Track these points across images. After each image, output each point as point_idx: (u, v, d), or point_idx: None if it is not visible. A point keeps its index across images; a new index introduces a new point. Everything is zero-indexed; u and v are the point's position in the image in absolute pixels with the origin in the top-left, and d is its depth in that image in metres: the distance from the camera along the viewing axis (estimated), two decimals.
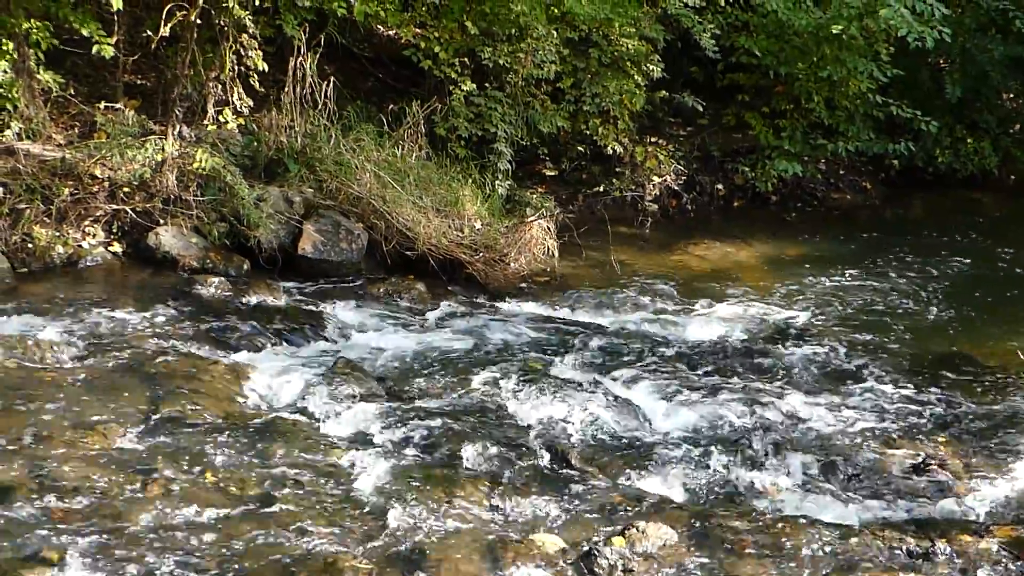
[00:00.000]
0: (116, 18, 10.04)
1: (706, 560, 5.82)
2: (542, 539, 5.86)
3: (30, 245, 9.24)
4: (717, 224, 13.47)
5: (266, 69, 10.56)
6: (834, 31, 12.86)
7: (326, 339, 8.69)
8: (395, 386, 7.82)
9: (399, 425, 7.10)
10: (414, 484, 6.36)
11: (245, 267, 9.81)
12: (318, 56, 10.75)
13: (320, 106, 10.71)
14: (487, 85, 11.77)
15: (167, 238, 9.65)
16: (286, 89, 10.66)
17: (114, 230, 9.70)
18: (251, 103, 10.60)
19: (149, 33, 10.23)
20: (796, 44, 13.59)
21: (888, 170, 15.29)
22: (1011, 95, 16.38)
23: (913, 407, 8.10)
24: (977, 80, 15.24)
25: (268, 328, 8.64)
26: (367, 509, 6.11)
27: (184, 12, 10.01)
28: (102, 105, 10.16)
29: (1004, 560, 5.97)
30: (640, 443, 7.23)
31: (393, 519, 5.99)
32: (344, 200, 10.37)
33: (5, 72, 9.47)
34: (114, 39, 9.97)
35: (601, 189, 13.00)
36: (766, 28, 13.62)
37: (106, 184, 9.60)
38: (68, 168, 9.52)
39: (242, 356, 8.10)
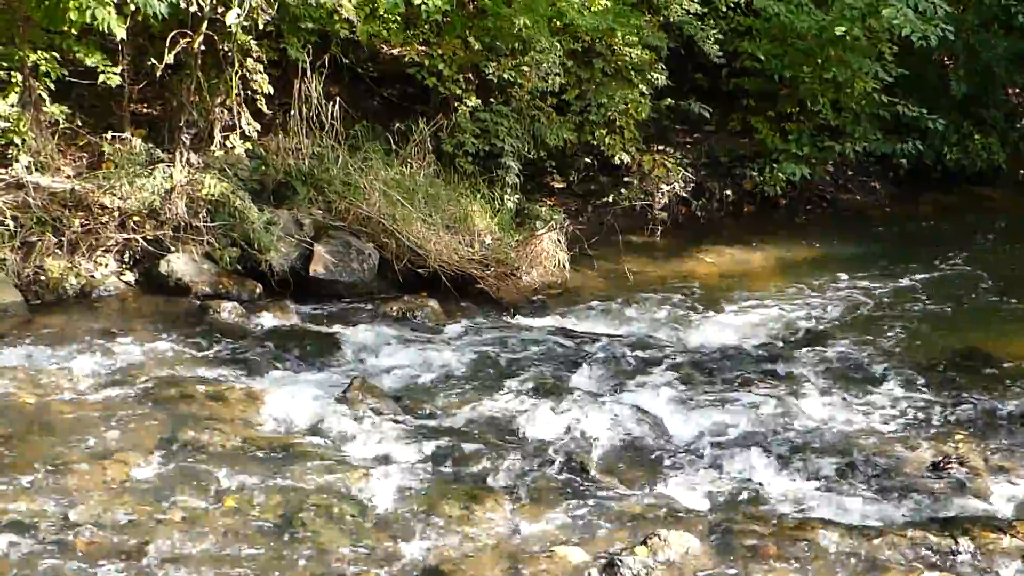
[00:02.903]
0: (120, 48, 10.08)
1: (729, 566, 5.81)
2: (564, 551, 5.85)
3: (43, 277, 9.27)
4: (727, 230, 13.44)
5: (272, 92, 10.59)
6: (837, 32, 12.87)
7: (341, 360, 8.68)
8: (412, 404, 7.82)
9: (417, 443, 7.10)
10: (434, 501, 6.36)
11: (258, 291, 9.82)
12: (323, 78, 10.78)
13: (327, 127, 10.74)
14: (492, 100, 11.79)
15: (179, 265, 9.67)
16: (292, 112, 10.69)
17: (126, 259, 9.74)
18: (258, 127, 10.62)
19: (153, 61, 10.27)
20: (800, 47, 13.60)
21: (897, 170, 15.24)
22: (1017, 90, 16.36)
23: (931, 406, 8.08)
24: (982, 76, 15.23)
25: (283, 351, 8.64)
26: (389, 528, 6.11)
27: (188, 39, 10.06)
28: (109, 135, 10.20)
29: None
30: (659, 451, 7.22)
31: (415, 537, 5.99)
32: (354, 220, 10.38)
33: (12, 106, 9.52)
34: (119, 68, 10.01)
35: (610, 199, 12.99)
36: (769, 32, 13.63)
37: (116, 214, 9.64)
38: (78, 199, 9.56)
39: (258, 380, 8.10)
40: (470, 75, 11.78)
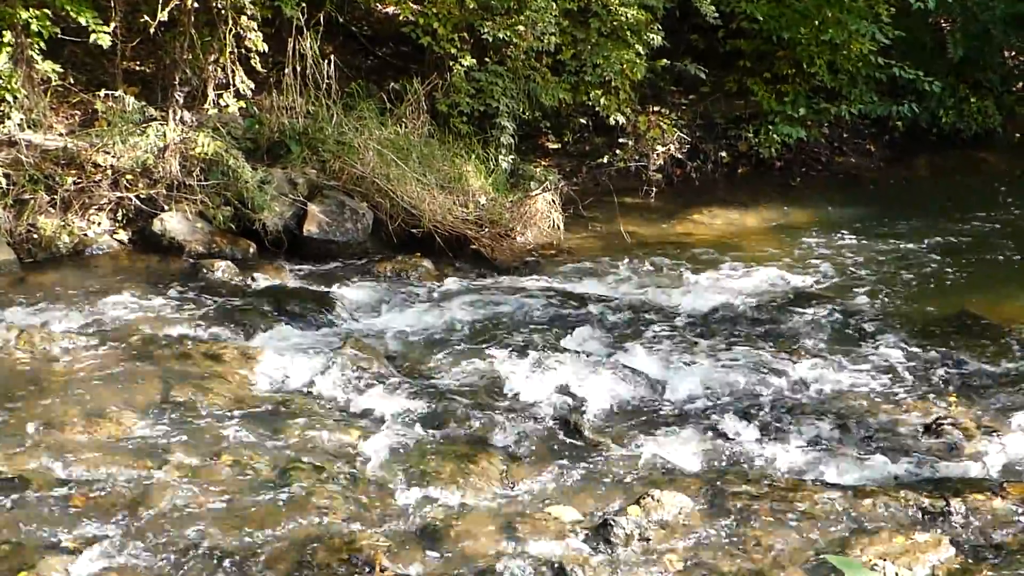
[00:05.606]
0: (112, 4, 10.02)
1: (722, 526, 5.83)
2: (558, 511, 5.87)
3: (35, 235, 9.27)
4: (722, 191, 13.43)
5: (266, 50, 10.53)
6: None
7: (335, 319, 8.68)
8: (405, 363, 7.83)
9: (411, 402, 7.11)
10: (428, 460, 6.37)
11: (251, 250, 9.82)
12: (318, 36, 10.73)
13: (321, 86, 10.69)
14: (487, 59, 11.74)
15: (172, 224, 9.65)
16: (286, 70, 10.64)
17: (119, 218, 9.72)
18: (252, 85, 10.57)
19: (146, 18, 10.20)
20: (797, 8, 13.55)
21: (892, 132, 15.22)
22: (1013, 52, 16.31)
23: (924, 368, 8.08)
24: (979, 39, 15.18)
25: (277, 310, 8.64)
26: (383, 487, 6.12)
27: None
28: (102, 93, 10.15)
29: (1019, 518, 5.97)
30: (652, 412, 7.23)
31: (409, 496, 6.00)
32: (348, 180, 10.36)
33: (4, 63, 9.46)
34: (111, 26, 9.95)
35: (605, 160, 12.97)
36: None
37: (109, 172, 9.61)
38: (70, 157, 9.53)
39: (252, 339, 8.11)
40: (465, 34, 11.72)
